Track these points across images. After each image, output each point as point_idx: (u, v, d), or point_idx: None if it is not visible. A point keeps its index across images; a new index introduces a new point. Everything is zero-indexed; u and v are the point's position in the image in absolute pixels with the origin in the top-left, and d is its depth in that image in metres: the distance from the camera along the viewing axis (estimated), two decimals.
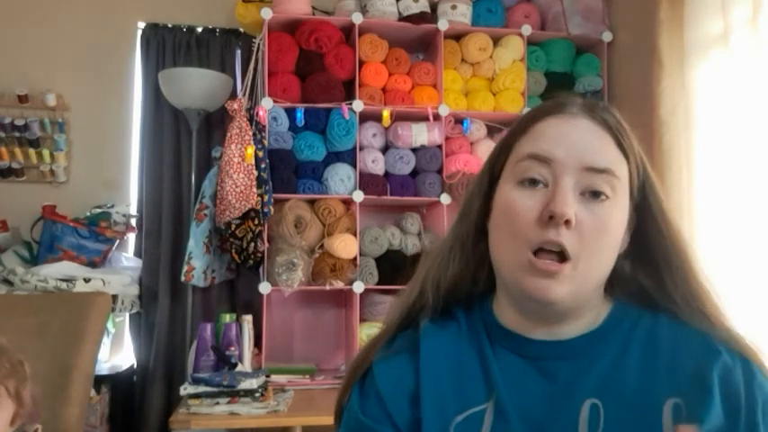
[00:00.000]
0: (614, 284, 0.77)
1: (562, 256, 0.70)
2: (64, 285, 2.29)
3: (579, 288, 0.71)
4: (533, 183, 0.72)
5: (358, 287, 2.42)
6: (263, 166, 2.38)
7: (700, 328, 0.72)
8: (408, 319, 0.82)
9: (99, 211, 2.61)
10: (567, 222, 0.69)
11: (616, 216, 0.72)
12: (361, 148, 2.53)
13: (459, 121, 2.62)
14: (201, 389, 1.93)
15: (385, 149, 2.59)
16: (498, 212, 0.75)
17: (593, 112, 0.75)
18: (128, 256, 2.72)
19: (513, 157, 0.76)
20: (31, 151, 2.68)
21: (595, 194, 0.71)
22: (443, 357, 0.76)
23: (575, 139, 0.73)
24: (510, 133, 0.79)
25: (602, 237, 0.71)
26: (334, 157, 2.52)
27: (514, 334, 0.76)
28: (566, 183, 0.70)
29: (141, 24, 2.79)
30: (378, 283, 2.47)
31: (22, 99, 2.67)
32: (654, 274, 0.76)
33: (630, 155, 0.74)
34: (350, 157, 2.51)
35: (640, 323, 0.75)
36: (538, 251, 0.70)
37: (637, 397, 0.68)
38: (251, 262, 2.44)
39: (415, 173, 2.59)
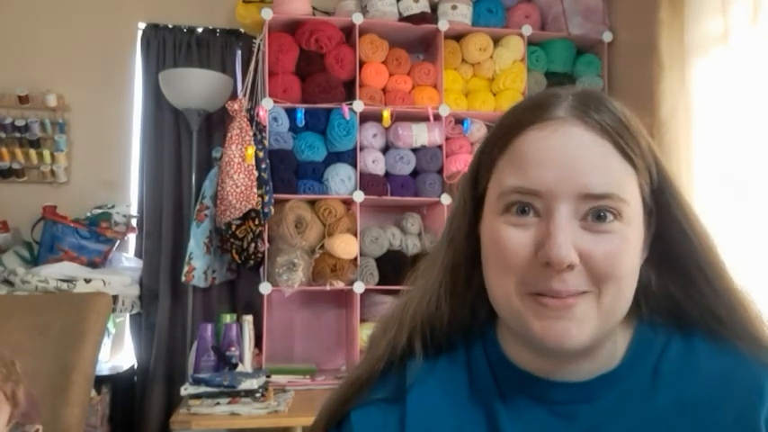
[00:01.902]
0: (638, 297, 0.64)
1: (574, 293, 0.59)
2: (64, 286, 2.29)
3: (603, 326, 0.59)
4: (522, 212, 0.60)
5: (358, 287, 2.42)
6: (263, 166, 2.38)
7: (739, 352, 0.62)
8: (393, 361, 0.70)
9: (99, 211, 2.61)
10: (570, 267, 0.57)
11: (629, 236, 0.60)
12: (361, 149, 2.53)
13: (459, 121, 2.62)
14: (202, 389, 1.93)
15: (385, 150, 2.59)
16: (486, 247, 0.63)
17: (585, 115, 0.60)
18: (128, 257, 2.72)
19: (496, 185, 0.63)
20: (32, 152, 2.68)
21: (600, 217, 0.59)
22: (435, 404, 0.65)
23: (565, 157, 0.59)
24: (488, 147, 0.65)
25: (617, 265, 0.58)
26: (335, 157, 2.52)
27: (523, 373, 0.65)
28: (560, 217, 0.58)
29: (141, 25, 2.79)
30: (378, 284, 2.47)
31: (23, 99, 2.67)
32: (686, 280, 0.65)
33: (638, 160, 0.61)
34: (350, 157, 2.51)
35: (670, 349, 0.64)
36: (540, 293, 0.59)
37: None
38: (251, 262, 2.44)
39: (415, 173, 2.59)
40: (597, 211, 0.58)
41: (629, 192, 0.60)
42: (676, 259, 0.65)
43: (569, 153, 0.59)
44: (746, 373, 0.61)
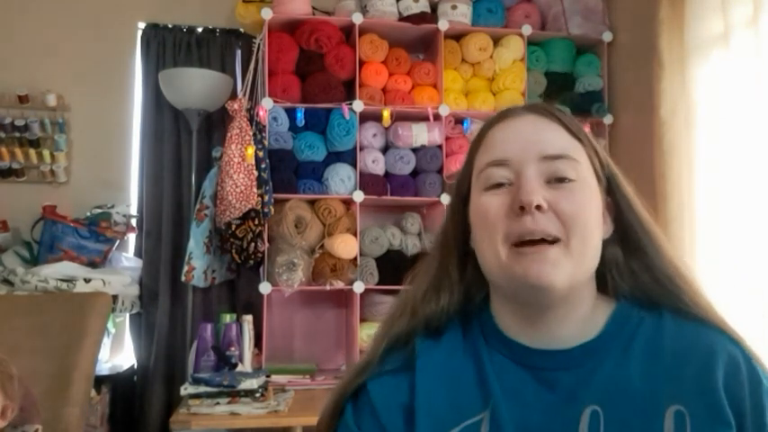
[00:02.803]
0: (613, 275, 0.77)
1: (548, 242, 0.69)
2: (64, 285, 2.29)
3: (575, 271, 0.69)
4: (498, 186, 0.72)
5: (358, 287, 2.42)
6: (263, 166, 2.38)
7: (696, 324, 0.72)
8: (398, 342, 0.79)
9: (99, 211, 2.61)
10: (539, 208, 0.68)
11: (588, 195, 0.72)
12: (361, 149, 2.53)
13: (459, 121, 2.62)
14: (202, 389, 1.93)
15: (385, 149, 2.59)
16: (473, 220, 0.76)
17: (536, 109, 0.76)
18: (128, 257, 2.72)
19: (475, 171, 0.76)
20: (32, 151, 2.68)
21: (560, 180, 0.71)
22: (439, 370, 0.75)
23: (524, 134, 0.74)
24: (468, 151, 0.80)
25: (580, 214, 0.70)
26: (335, 157, 2.52)
27: (513, 342, 0.74)
28: (527, 173, 0.71)
29: (141, 24, 2.79)
30: (378, 284, 2.47)
31: (23, 99, 2.67)
32: (640, 255, 0.76)
33: (584, 139, 0.75)
34: (350, 157, 2.51)
35: (643, 325, 0.73)
36: (521, 243, 0.69)
37: (638, 403, 0.67)
38: (251, 262, 2.44)
39: (415, 173, 2.59)
40: (556, 173, 0.71)
41: (581, 157, 0.74)
42: (631, 236, 0.76)
43: (528, 131, 0.74)
44: (701, 342, 0.70)
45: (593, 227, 0.71)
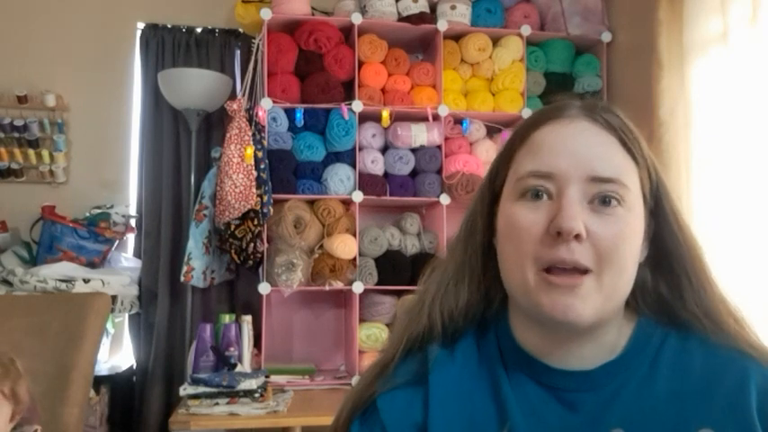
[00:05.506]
0: (636, 295, 0.71)
1: (579, 271, 0.64)
2: (63, 286, 2.29)
3: (605, 305, 0.65)
4: (536, 196, 0.66)
5: (357, 287, 2.42)
6: (262, 166, 2.38)
7: (729, 348, 0.68)
8: (413, 347, 0.75)
9: (98, 211, 2.61)
10: (578, 237, 0.63)
11: (631, 222, 0.66)
12: (360, 149, 2.53)
13: (458, 121, 2.62)
14: (201, 389, 1.93)
15: (384, 150, 2.59)
16: (502, 230, 0.70)
17: (594, 114, 0.69)
18: (127, 257, 2.72)
19: (514, 173, 0.70)
20: (31, 152, 2.68)
21: (605, 202, 0.65)
22: (454, 387, 0.70)
23: (576, 146, 0.67)
24: (508, 144, 0.73)
25: (619, 246, 0.65)
26: (334, 157, 2.52)
27: (533, 360, 0.70)
28: (571, 194, 0.65)
29: (141, 25, 2.79)
30: (377, 284, 2.47)
31: (22, 99, 2.67)
32: (674, 284, 0.71)
33: (639, 157, 0.68)
34: (349, 157, 2.51)
35: (667, 344, 0.69)
36: (550, 269, 0.65)
37: (666, 425, 0.64)
38: (250, 262, 2.44)
39: (414, 173, 2.59)
40: (603, 196, 0.65)
41: (632, 181, 0.67)
42: (667, 262, 0.71)
43: (580, 142, 0.67)
44: (735, 365, 0.66)
45: (629, 259, 0.66)
